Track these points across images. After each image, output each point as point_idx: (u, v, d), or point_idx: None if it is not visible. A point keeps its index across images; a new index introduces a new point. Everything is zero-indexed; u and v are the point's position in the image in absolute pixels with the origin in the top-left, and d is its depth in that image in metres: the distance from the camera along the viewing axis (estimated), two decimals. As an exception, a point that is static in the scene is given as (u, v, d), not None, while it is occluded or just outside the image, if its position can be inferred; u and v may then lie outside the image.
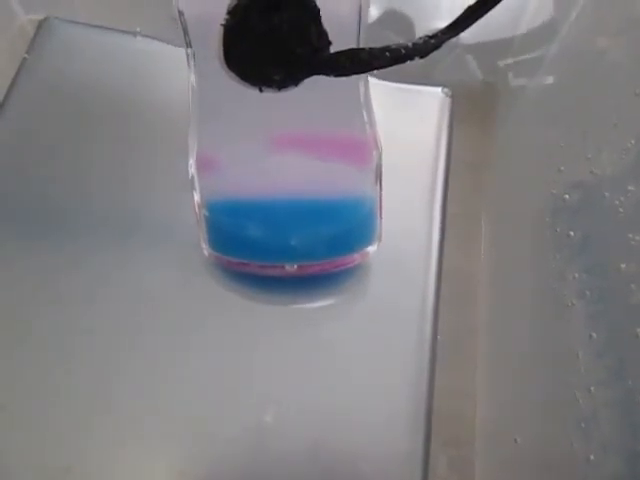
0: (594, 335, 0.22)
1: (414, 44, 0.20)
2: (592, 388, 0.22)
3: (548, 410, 0.25)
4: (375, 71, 0.20)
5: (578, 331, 0.23)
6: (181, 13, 0.21)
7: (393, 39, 0.20)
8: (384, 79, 0.30)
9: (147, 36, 0.33)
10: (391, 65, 0.20)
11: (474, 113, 0.34)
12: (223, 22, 0.20)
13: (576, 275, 0.24)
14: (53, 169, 0.29)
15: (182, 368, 0.26)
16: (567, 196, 0.26)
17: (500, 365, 0.32)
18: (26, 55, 0.32)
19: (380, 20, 0.35)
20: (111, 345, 0.26)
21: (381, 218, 0.26)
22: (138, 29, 0.33)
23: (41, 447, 0.24)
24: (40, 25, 0.33)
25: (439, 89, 0.32)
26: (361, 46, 0.21)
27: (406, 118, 0.31)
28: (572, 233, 0.25)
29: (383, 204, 0.26)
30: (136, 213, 0.28)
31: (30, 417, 0.24)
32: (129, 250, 0.28)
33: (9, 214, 0.28)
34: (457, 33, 0.20)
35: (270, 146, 0.24)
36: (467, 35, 0.32)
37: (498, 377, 0.32)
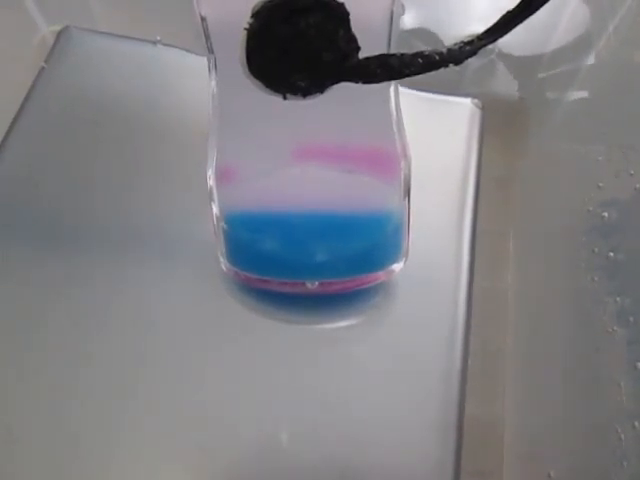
0: (639, 365, 0.21)
1: (449, 50, 0.18)
2: (636, 423, 0.20)
3: (586, 444, 0.24)
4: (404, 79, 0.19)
5: (620, 360, 0.22)
6: (203, 18, 0.20)
7: (421, 48, 0.19)
8: (410, 88, 0.29)
9: (167, 45, 0.32)
10: (423, 72, 0.19)
11: (505, 125, 0.33)
12: (246, 26, 0.19)
13: (617, 299, 0.23)
14: (69, 179, 0.29)
15: (197, 387, 0.25)
16: (606, 214, 0.25)
17: (531, 392, 0.30)
18: (44, 64, 0.31)
19: (409, 29, 0.34)
20: (123, 363, 0.25)
21: (408, 234, 0.25)
22: (158, 37, 0.32)
23: (47, 469, 0.23)
24: (59, 34, 0.33)
25: (469, 100, 0.31)
26: (391, 52, 0.20)
27: (434, 130, 0.30)
28: (612, 254, 0.24)
29: (410, 219, 0.25)
30: (153, 225, 0.28)
31: (36, 439, 0.23)
32: (145, 264, 0.27)
33: (22, 225, 0.28)
34: (495, 39, 0.19)
35: (293, 157, 0.23)
36: (498, 44, 0.31)
37: (529, 405, 0.30)
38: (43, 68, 0.31)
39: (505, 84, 0.34)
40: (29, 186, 0.29)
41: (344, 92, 0.20)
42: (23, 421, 0.24)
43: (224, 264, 0.25)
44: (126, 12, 0.35)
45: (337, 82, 0.20)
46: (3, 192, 0.28)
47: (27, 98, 0.30)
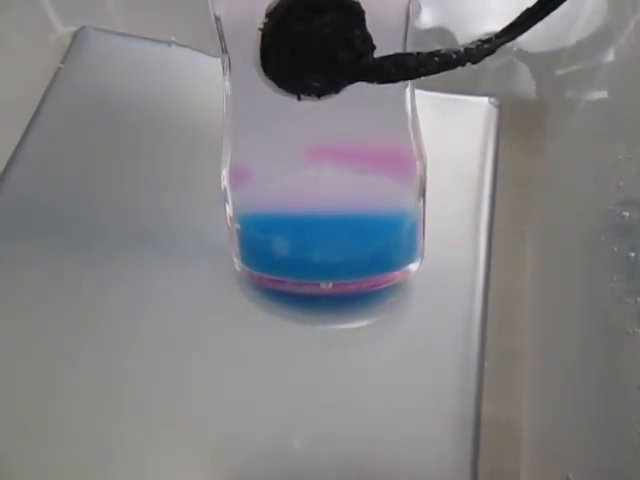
0: (660, 368, 0.20)
1: (466, 49, 0.18)
2: (657, 426, 0.20)
3: (605, 446, 0.23)
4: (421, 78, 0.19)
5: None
6: (217, 18, 0.20)
7: (437, 48, 0.19)
8: (425, 88, 0.29)
9: (182, 45, 0.32)
10: (440, 71, 0.19)
11: (522, 125, 0.33)
12: (261, 26, 0.19)
13: (638, 300, 0.22)
14: (84, 178, 0.29)
15: (211, 387, 0.25)
16: (627, 213, 0.24)
17: (549, 392, 0.30)
18: (61, 65, 0.32)
19: (425, 29, 0.34)
20: (138, 363, 0.25)
21: (424, 234, 0.25)
22: (173, 38, 0.32)
23: (65, 468, 0.23)
24: (75, 35, 0.33)
25: (485, 99, 0.30)
26: (407, 51, 0.20)
27: (450, 130, 0.29)
28: (632, 254, 0.23)
29: (426, 219, 0.24)
30: (167, 226, 0.28)
31: (53, 438, 0.24)
32: (158, 265, 0.27)
33: (39, 223, 0.28)
34: (513, 37, 0.19)
35: (307, 158, 0.22)
36: (516, 42, 0.31)
37: (547, 406, 0.30)
38: (60, 68, 0.32)
39: (523, 83, 0.34)
40: (46, 185, 0.29)
41: (359, 92, 0.19)
42: (40, 420, 0.24)
43: (238, 264, 0.25)
44: (142, 13, 0.35)
45: (352, 82, 0.19)
46: (21, 192, 0.29)
47: (44, 98, 0.31)
